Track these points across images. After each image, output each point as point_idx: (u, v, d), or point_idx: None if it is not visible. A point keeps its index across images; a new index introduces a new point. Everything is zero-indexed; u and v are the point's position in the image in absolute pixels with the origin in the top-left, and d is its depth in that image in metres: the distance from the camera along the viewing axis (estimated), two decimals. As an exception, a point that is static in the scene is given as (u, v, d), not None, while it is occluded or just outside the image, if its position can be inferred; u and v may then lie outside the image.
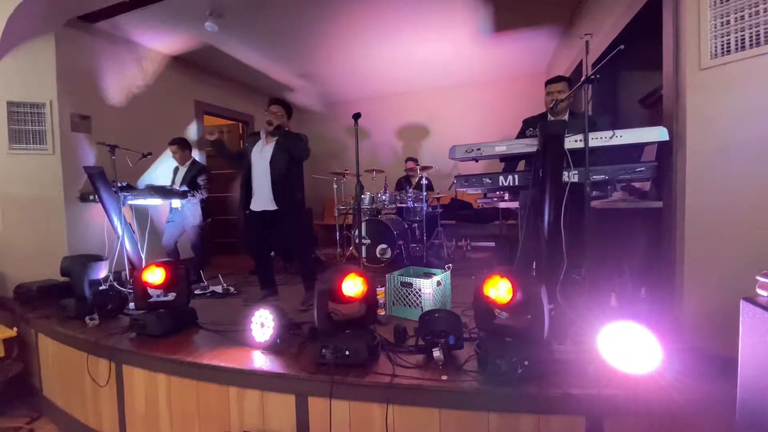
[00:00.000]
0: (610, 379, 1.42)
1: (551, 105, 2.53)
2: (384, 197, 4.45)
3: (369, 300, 1.82)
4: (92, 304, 2.45)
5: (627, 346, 1.41)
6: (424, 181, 4.51)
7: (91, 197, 3.37)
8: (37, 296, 2.92)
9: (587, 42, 3.47)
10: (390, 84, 6.17)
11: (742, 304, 1.00)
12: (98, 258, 2.74)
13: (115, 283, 2.96)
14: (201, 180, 3.79)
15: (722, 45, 1.64)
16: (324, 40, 4.47)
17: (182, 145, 3.86)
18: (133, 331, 2.15)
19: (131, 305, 2.66)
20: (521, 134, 2.73)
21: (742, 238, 1.60)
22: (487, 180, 2.19)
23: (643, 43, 2.68)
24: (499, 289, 1.58)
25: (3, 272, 3.22)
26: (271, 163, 2.79)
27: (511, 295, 1.55)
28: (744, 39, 1.57)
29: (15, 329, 2.73)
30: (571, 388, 1.41)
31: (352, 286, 1.77)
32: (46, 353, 2.57)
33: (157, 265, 2.24)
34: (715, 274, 1.67)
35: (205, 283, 3.38)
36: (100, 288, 2.72)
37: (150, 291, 2.30)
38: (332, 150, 7.05)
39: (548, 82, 2.67)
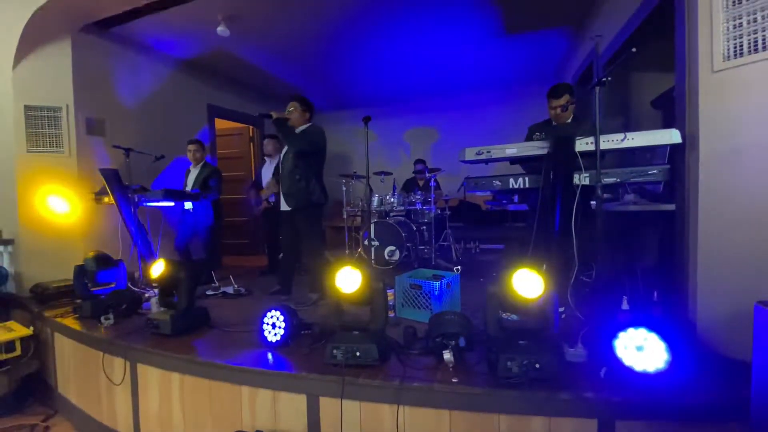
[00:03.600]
0: (622, 382, 1.41)
1: (558, 112, 2.54)
2: (393, 199, 4.47)
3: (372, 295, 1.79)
4: (107, 304, 2.49)
5: (639, 350, 1.41)
6: (432, 184, 4.52)
7: (106, 199, 3.43)
8: (53, 295, 2.98)
9: (597, 43, 3.48)
10: (400, 86, 6.18)
11: (756, 308, 0.99)
12: (113, 260, 2.79)
13: (129, 284, 3.01)
14: (212, 182, 3.84)
15: (735, 47, 1.62)
16: (334, 43, 4.50)
17: (202, 145, 4.03)
18: (148, 330, 2.19)
19: (145, 305, 2.71)
20: (528, 140, 2.73)
21: (756, 241, 1.58)
22: (497, 182, 2.19)
23: (654, 44, 2.67)
24: (527, 283, 1.53)
25: (20, 272, 3.29)
26: (282, 163, 2.86)
27: (540, 292, 1.51)
28: (757, 42, 1.56)
29: (31, 328, 2.79)
30: (583, 391, 1.40)
31: (348, 279, 1.76)
32: (61, 352, 2.62)
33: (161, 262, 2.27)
34: (728, 277, 1.65)
35: (217, 283, 3.41)
36: (115, 288, 2.76)
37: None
38: (342, 152, 7.08)
39: (550, 96, 2.63)
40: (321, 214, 3.06)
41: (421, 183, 5.38)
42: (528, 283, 1.52)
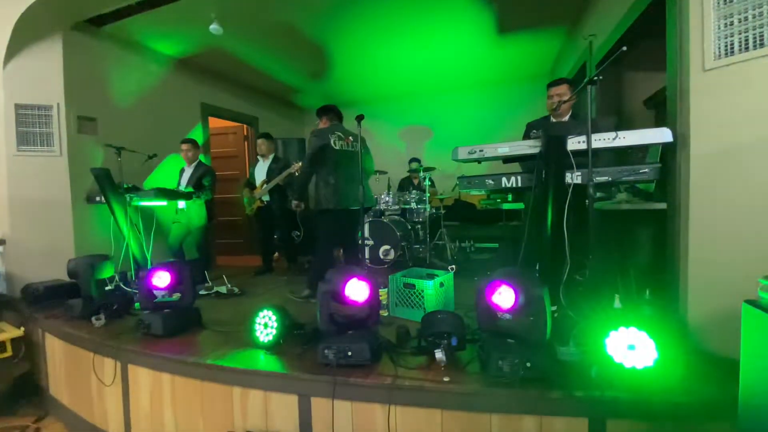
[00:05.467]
0: (613, 380, 1.41)
1: (554, 107, 2.53)
2: (387, 198, 4.46)
3: (372, 302, 1.82)
4: (98, 304, 2.47)
5: (630, 348, 1.41)
6: (427, 182, 4.51)
7: (98, 198, 3.40)
8: (44, 296, 2.94)
9: (591, 43, 3.48)
10: (393, 85, 6.18)
11: (744, 306, 0.99)
12: (104, 258, 2.76)
13: (121, 284, 2.98)
14: (206, 181, 3.82)
15: (726, 46, 1.63)
16: (328, 41, 4.49)
17: (195, 145, 4.01)
18: (139, 331, 2.17)
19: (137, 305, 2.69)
20: (526, 138, 2.72)
21: (746, 240, 1.59)
22: (490, 181, 2.19)
23: (647, 43, 2.68)
24: (502, 296, 1.58)
25: (11, 272, 3.26)
26: None
27: (513, 302, 1.55)
28: (748, 40, 1.57)
29: (22, 329, 2.76)
30: (574, 390, 1.41)
31: (355, 290, 1.77)
32: (52, 353, 2.60)
33: (163, 268, 2.26)
34: (719, 275, 1.66)
35: (210, 283, 3.40)
36: (106, 288, 2.74)
37: (155, 291, 2.32)
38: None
39: (549, 85, 2.66)
40: (326, 218, 3.01)
41: (416, 182, 5.38)
42: (504, 296, 1.55)
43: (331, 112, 3.17)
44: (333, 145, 2.94)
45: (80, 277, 2.64)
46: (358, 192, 2.73)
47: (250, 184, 4.27)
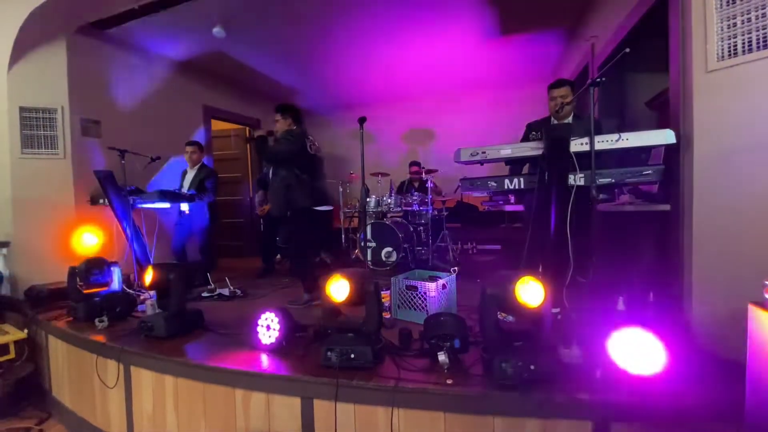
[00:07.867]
0: (617, 383, 1.40)
1: (557, 109, 2.52)
2: (389, 200, 4.46)
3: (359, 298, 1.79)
4: (101, 306, 2.47)
5: (634, 351, 1.40)
6: (429, 185, 4.50)
7: (101, 201, 3.41)
8: (47, 298, 2.96)
9: (593, 45, 3.48)
10: (396, 88, 6.18)
11: (750, 308, 0.99)
12: (107, 261, 2.77)
13: (124, 286, 2.99)
14: (209, 183, 3.83)
15: (729, 47, 1.63)
16: (330, 44, 4.49)
17: (200, 147, 4.03)
18: (141, 333, 2.17)
19: (140, 307, 2.70)
20: (525, 139, 2.72)
21: (750, 242, 1.58)
22: (493, 183, 2.19)
23: (649, 45, 2.67)
24: (529, 292, 1.51)
25: (14, 274, 3.27)
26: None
27: (543, 299, 1.49)
28: (751, 41, 1.56)
29: (25, 331, 2.77)
30: (578, 393, 1.40)
31: (337, 289, 1.75)
32: (55, 355, 2.61)
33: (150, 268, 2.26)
34: (723, 277, 1.65)
35: (212, 285, 3.40)
36: (109, 290, 2.75)
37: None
38: (338, 153, 7.08)
39: (551, 87, 2.64)
40: (304, 217, 2.99)
41: (416, 184, 5.37)
42: (531, 292, 1.51)
43: (296, 113, 3.13)
44: (309, 149, 2.97)
45: (67, 283, 2.65)
46: (322, 193, 2.77)
47: (266, 184, 4.24)
